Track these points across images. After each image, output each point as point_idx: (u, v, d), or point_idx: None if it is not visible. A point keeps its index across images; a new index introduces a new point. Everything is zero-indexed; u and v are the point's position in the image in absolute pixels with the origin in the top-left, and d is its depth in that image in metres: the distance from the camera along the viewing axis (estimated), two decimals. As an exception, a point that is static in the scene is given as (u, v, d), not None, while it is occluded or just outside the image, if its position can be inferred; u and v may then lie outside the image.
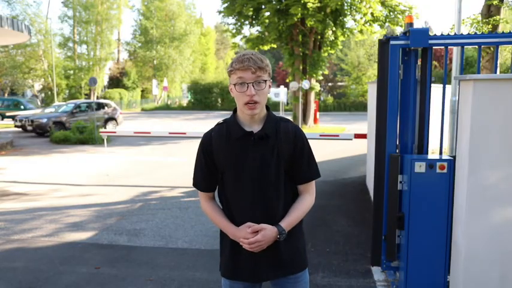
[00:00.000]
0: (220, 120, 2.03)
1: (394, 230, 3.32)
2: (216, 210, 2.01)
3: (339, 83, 40.91)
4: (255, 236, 1.86)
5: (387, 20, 17.67)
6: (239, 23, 19.25)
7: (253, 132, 1.90)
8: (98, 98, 35.86)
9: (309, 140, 2.02)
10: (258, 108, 1.86)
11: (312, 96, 19.77)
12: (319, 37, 18.65)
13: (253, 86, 1.82)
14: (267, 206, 1.91)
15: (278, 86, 36.22)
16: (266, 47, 19.35)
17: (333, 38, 18.89)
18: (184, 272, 4.09)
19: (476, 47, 3.39)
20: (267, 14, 17.59)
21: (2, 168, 10.03)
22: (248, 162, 1.89)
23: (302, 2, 15.90)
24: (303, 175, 1.98)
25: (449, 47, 3.35)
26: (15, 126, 18.36)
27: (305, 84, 17.91)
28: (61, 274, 4.05)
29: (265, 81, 1.86)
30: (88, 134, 14.93)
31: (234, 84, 1.86)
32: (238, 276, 1.99)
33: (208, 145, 1.95)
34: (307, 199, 2.00)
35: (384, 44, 3.35)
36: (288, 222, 1.92)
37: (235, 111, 1.97)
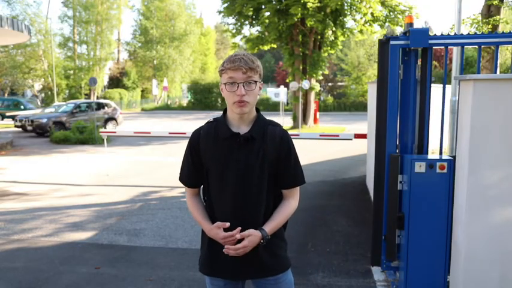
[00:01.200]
0: (210, 118, 2.05)
1: (394, 230, 3.32)
2: (196, 206, 2.04)
3: (339, 83, 40.89)
4: (234, 235, 1.87)
5: (387, 20, 17.67)
6: (239, 23, 19.25)
7: (239, 134, 1.91)
8: (98, 98, 35.86)
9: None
10: (247, 107, 1.87)
11: (312, 96, 19.77)
12: (319, 37, 18.65)
13: (243, 86, 1.84)
14: (248, 207, 1.92)
15: (278, 86, 36.23)
16: (266, 47, 19.36)
17: (333, 38, 18.89)
18: (184, 272, 4.09)
19: (476, 47, 3.39)
20: (267, 14, 17.59)
21: (2, 168, 10.03)
22: (232, 163, 1.91)
23: (302, 2, 15.89)
24: (288, 180, 1.99)
25: (449, 47, 3.35)
26: (15, 126, 18.36)
27: (305, 84, 17.91)
28: (61, 274, 4.05)
29: (256, 82, 1.88)
30: (88, 134, 14.93)
31: (225, 84, 1.88)
32: (216, 273, 2.02)
33: (196, 143, 1.98)
34: (292, 204, 2.01)
35: (384, 44, 3.35)
36: (271, 226, 1.93)
37: (225, 111, 1.99)
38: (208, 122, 2.01)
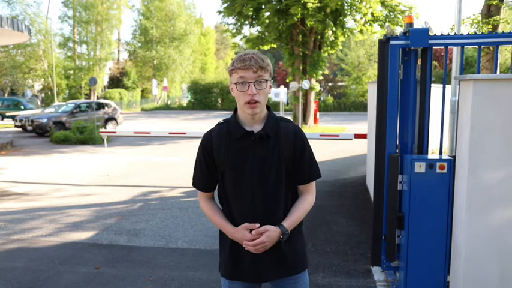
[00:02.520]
0: (220, 120, 2.03)
1: (394, 230, 3.32)
2: (215, 210, 2.01)
3: (339, 83, 40.91)
4: (258, 237, 1.85)
5: (387, 20, 17.68)
6: (239, 23, 19.26)
7: (253, 132, 1.89)
8: (98, 98, 35.87)
9: (309, 140, 2.02)
10: (258, 108, 1.86)
11: (312, 96, 19.78)
12: (319, 37, 18.65)
13: (254, 86, 1.83)
14: (267, 205, 1.91)
15: (278, 86, 36.21)
16: (266, 47, 19.36)
17: (333, 38, 18.90)
18: (184, 272, 4.09)
19: (476, 47, 3.39)
20: (267, 14, 17.59)
21: (2, 168, 10.03)
22: (248, 162, 1.89)
23: (302, 2, 15.90)
24: (304, 175, 1.98)
25: (449, 47, 3.35)
26: (15, 126, 18.35)
27: (305, 84, 17.91)
28: (61, 274, 4.05)
29: (266, 80, 1.86)
30: (88, 134, 14.93)
31: (235, 84, 1.86)
32: (238, 276, 1.99)
33: (208, 145, 1.95)
34: (308, 199, 2.01)
35: (384, 44, 3.35)
36: (290, 222, 1.92)
37: (235, 111, 1.97)
38: (218, 124, 1.99)
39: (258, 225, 1.87)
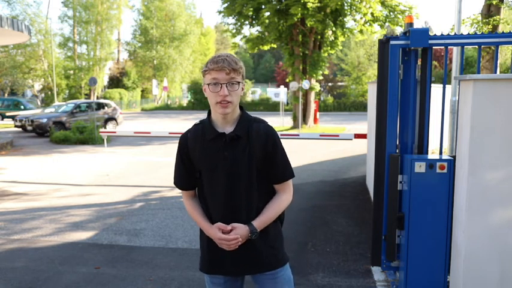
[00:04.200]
0: (197, 121, 2.10)
1: (394, 230, 3.32)
2: (194, 207, 2.07)
3: (339, 83, 40.88)
4: (228, 235, 1.91)
5: (387, 20, 17.68)
6: (239, 23, 19.25)
7: (225, 134, 1.95)
8: (98, 98, 35.85)
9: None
10: (230, 108, 1.91)
11: (312, 96, 19.78)
12: (319, 37, 18.65)
13: (226, 87, 1.87)
14: (238, 204, 1.96)
15: (278, 86, 36.21)
16: (266, 47, 19.36)
17: (333, 38, 18.90)
18: (184, 272, 4.09)
19: (476, 47, 3.39)
20: (267, 14, 17.59)
21: (2, 168, 10.03)
22: (220, 162, 1.95)
23: (302, 2, 15.90)
24: (277, 175, 2.02)
25: (449, 47, 3.35)
26: (15, 126, 18.35)
27: (305, 84, 17.91)
28: (61, 274, 4.05)
29: (239, 82, 1.91)
30: (88, 134, 14.92)
31: (208, 84, 1.91)
32: (215, 270, 2.05)
33: (185, 145, 2.02)
34: (283, 198, 2.04)
35: (384, 44, 3.35)
36: (260, 221, 1.96)
37: (209, 112, 2.02)
38: (195, 125, 2.06)
39: (229, 227, 1.93)
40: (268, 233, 2.00)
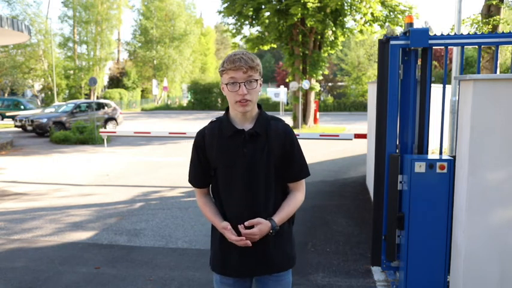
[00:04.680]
0: (213, 118, 2.08)
1: (394, 230, 3.32)
2: (207, 204, 2.06)
3: (339, 83, 40.89)
4: (248, 230, 1.89)
5: (387, 20, 17.68)
6: (239, 23, 19.25)
7: (244, 130, 1.94)
8: (98, 98, 35.85)
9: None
10: (249, 106, 1.90)
11: (312, 96, 19.77)
12: (319, 37, 18.65)
13: (245, 86, 1.87)
14: (257, 202, 1.95)
15: (278, 86, 36.20)
16: (266, 47, 19.36)
17: (333, 38, 18.90)
18: (184, 272, 4.09)
19: (476, 47, 3.39)
20: (267, 14, 17.59)
21: (2, 168, 10.03)
22: (238, 160, 1.93)
23: (302, 2, 15.90)
24: (294, 173, 2.02)
25: (449, 47, 3.35)
26: (15, 126, 18.35)
27: (305, 84, 17.91)
28: (61, 274, 4.05)
29: (257, 80, 1.90)
30: (88, 134, 14.92)
31: (226, 84, 1.90)
32: (228, 271, 2.03)
33: (201, 142, 2.01)
34: (298, 196, 2.05)
35: (384, 44, 3.35)
36: (280, 217, 1.96)
37: (227, 109, 2.01)
38: (211, 122, 2.04)
39: (246, 222, 1.91)
40: (282, 234, 2.01)
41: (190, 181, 2.10)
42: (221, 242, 2.01)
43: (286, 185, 2.05)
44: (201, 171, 2.03)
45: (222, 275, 2.05)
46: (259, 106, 2.01)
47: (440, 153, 3.50)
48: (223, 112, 2.04)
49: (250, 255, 1.96)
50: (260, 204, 1.95)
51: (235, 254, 1.97)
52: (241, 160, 1.93)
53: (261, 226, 1.89)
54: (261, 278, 2.06)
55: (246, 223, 1.90)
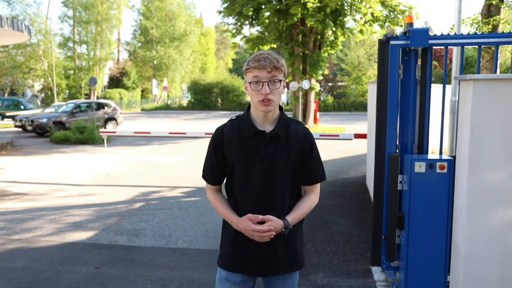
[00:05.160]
0: (233, 116, 2.08)
1: (394, 230, 3.32)
2: (221, 200, 2.06)
3: (339, 83, 40.90)
4: (262, 226, 1.89)
5: (387, 20, 17.68)
6: (239, 23, 19.25)
7: (265, 132, 1.94)
8: (98, 98, 35.85)
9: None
10: (272, 106, 1.90)
11: (312, 96, 19.78)
12: (319, 37, 18.65)
13: (268, 85, 1.86)
14: (272, 204, 1.95)
15: (278, 86, 35.94)
16: (266, 47, 19.33)
17: (333, 38, 18.90)
18: (184, 272, 4.09)
19: (476, 47, 3.39)
20: (267, 14, 17.59)
21: (2, 168, 10.03)
22: (258, 160, 1.94)
23: (302, 2, 15.90)
24: (311, 177, 2.03)
25: (449, 47, 3.36)
26: (15, 126, 18.35)
27: (305, 84, 17.91)
28: (61, 274, 4.05)
29: (280, 81, 1.90)
30: (88, 134, 14.92)
31: (250, 83, 1.90)
32: (238, 268, 2.02)
33: (220, 140, 2.00)
34: (312, 198, 2.06)
35: (384, 44, 3.35)
36: (293, 217, 1.97)
37: (248, 108, 2.01)
38: (231, 120, 2.04)
39: (260, 216, 1.92)
40: (294, 234, 2.01)
41: (203, 177, 2.10)
42: (234, 239, 2.00)
43: (301, 187, 2.06)
44: (217, 168, 2.03)
45: (232, 271, 2.03)
46: (280, 108, 2.00)
47: (440, 153, 3.50)
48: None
49: (264, 253, 1.97)
50: (276, 205, 1.96)
51: (249, 252, 1.97)
52: (261, 161, 1.93)
53: (271, 223, 1.90)
54: (269, 278, 2.06)
55: (260, 217, 1.90)
